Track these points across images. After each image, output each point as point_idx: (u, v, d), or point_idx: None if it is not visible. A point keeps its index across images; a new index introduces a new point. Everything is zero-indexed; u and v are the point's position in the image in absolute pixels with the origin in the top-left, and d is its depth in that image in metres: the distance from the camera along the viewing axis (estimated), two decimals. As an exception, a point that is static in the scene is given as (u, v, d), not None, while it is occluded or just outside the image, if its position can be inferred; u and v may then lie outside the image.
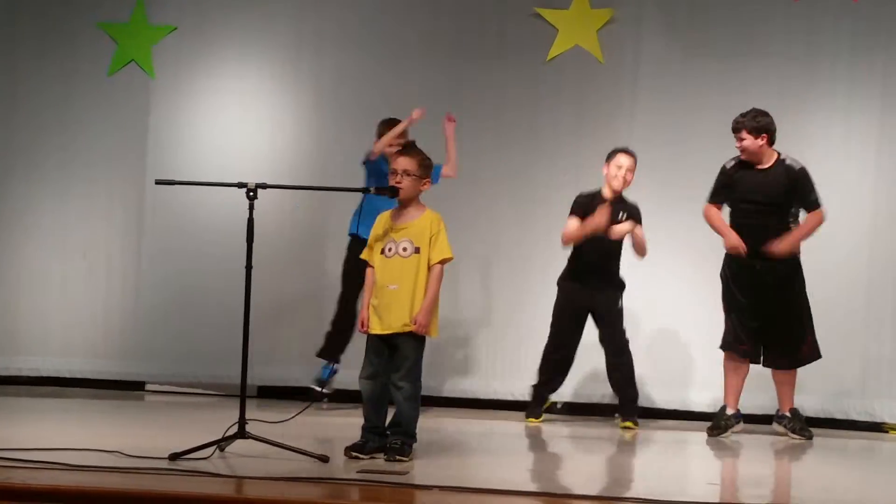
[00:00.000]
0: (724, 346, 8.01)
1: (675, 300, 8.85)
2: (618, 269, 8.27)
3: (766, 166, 7.89)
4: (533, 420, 8.27)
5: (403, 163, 6.08)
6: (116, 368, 9.57)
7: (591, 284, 8.16)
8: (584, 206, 8.15)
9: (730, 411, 7.96)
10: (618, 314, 8.21)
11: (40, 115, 9.74)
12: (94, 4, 9.76)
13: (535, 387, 8.39)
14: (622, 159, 8.17)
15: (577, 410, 8.90)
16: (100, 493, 4.80)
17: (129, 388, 9.52)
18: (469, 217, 8.87)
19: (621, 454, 7.32)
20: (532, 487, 5.63)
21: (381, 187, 6.16)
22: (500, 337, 9.04)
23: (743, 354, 7.93)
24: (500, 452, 7.05)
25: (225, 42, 9.61)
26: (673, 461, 7.05)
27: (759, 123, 7.84)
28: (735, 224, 7.94)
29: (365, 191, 6.12)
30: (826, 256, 8.65)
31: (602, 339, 8.25)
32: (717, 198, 8.04)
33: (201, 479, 5.15)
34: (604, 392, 8.90)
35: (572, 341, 8.26)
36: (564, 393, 8.90)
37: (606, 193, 8.19)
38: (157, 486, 4.90)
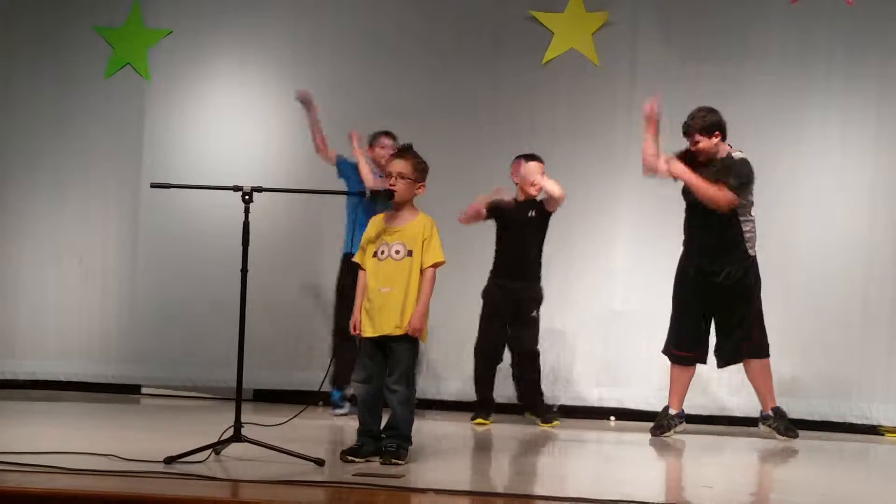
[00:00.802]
0: (664, 351, 8.07)
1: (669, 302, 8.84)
2: (537, 277, 8.35)
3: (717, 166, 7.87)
4: (481, 421, 8.30)
5: (398, 166, 6.07)
6: (112, 372, 9.57)
7: (513, 285, 8.27)
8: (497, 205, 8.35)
9: (672, 411, 7.99)
10: (532, 321, 8.31)
11: (36, 118, 9.75)
12: (89, 8, 9.77)
13: (476, 388, 8.47)
14: (525, 164, 8.33)
15: (573, 413, 8.90)
16: (95, 496, 4.79)
17: (124, 391, 9.53)
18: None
19: (614, 457, 7.32)
20: (527, 490, 5.62)
21: (375, 190, 6.16)
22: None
23: (678, 361, 7.98)
24: (496, 456, 7.05)
25: (220, 46, 9.62)
26: (667, 464, 7.04)
27: (708, 122, 7.82)
28: (688, 228, 7.94)
29: (360, 194, 6.14)
30: (823, 259, 8.68)
31: (509, 347, 8.37)
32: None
33: (197, 482, 5.14)
34: (599, 395, 8.93)
35: (500, 341, 8.37)
36: (560, 397, 8.92)
37: (519, 196, 8.36)
38: (152, 490, 4.89)
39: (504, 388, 8.49)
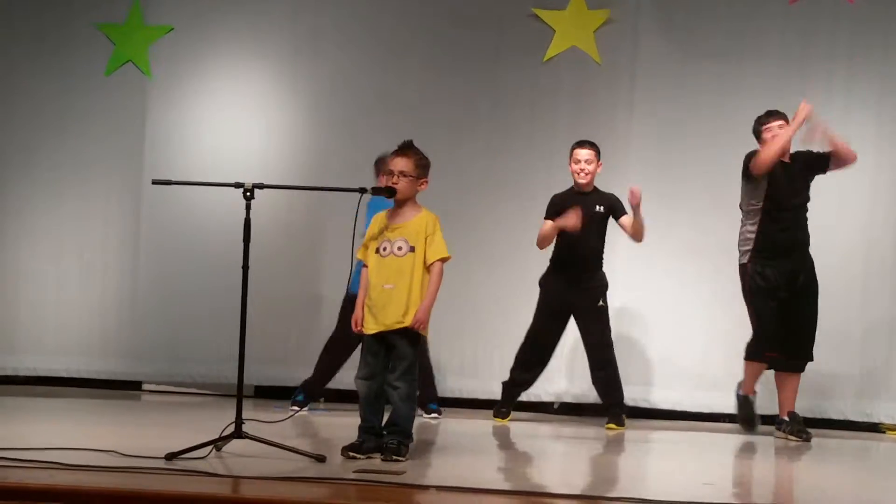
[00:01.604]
0: (749, 356, 7.93)
1: (674, 298, 8.84)
2: (599, 266, 8.23)
3: (788, 160, 7.82)
4: (500, 419, 8.28)
5: (400, 163, 6.07)
6: (113, 368, 9.58)
7: (572, 284, 8.14)
8: (557, 206, 8.13)
9: (752, 397, 8.00)
10: (599, 313, 8.16)
11: (37, 115, 9.75)
12: (90, 5, 9.78)
13: (506, 385, 8.39)
14: (580, 153, 8.15)
15: (573, 411, 8.91)
16: (96, 492, 4.79)
17: (125, 387, 9.54)
18: (468, 217, 8.87)
19: (617, 455, 7.32)
20: (529, 487, 5.63)
21: (377, 188, 6.15)
22: (498, 336, 9.01)
23: (768, 362, 7.92)
24: (497, 452, 7.06)
25: (221, 42, 9.62)
26: (667, 461, 7.05)
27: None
28: (767, 232, 7.78)
29: (361, 191, 6.12)
30: (823, 257, 8.65)
31: (584, 339, 8.24)
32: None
33: (198, 478, 5.14)
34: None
35: (549, 342, 8.25)
36: (562, 394, 8.93)
37: (577, 188, 8.19)
38: (153, 486, 4.89)
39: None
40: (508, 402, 8.36)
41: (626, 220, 8.09)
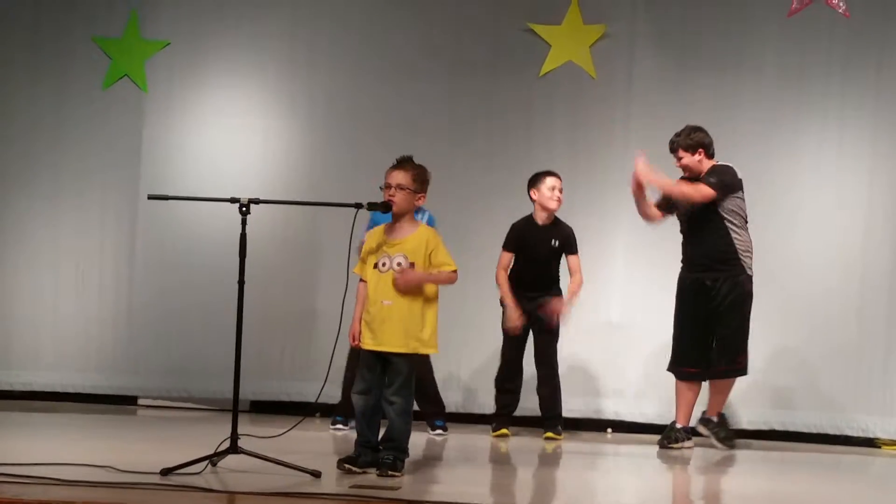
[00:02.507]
0: (669, 369, 8.09)
1: (668, 314, 8.82)
2: (555, 284, 8.31)
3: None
4: (495, 434, 8.27)
5: (397, 177, 6.07)
6: (108, 382, 9.56)
7: (532, 297, 8.21)
8: (517, 239, 8.26)
9: (678, 425, 8.02)
10: (551, 332, 8.26)
11: (33, 129, 9.74)
12: (87, 19, 9.77)
13: (496, 401, 8.42)
14: (552, 181, 8.23)
15: (570, 426, 8.90)
16: (91, 507, 4.80)
17: (121, 402, 9.51)
18: (462, 231, 8.86)
19: (620, 470, 7.32)
20: (525, 502, 5.62)
21: (373, 203, 6.14)
22: (496, 350, 8.99)
23: (686, 377, 7.99)
24: (492, 467, 7.05)
25: (218, 57, 9.62)
26: (666, 477, 7.04)
27: (693, 140, 7.95)
28: (683, 243, 8.05)
29: (357, 206, 6.11)
30: (818, 271, 8.68)
31: (535, 354, 8.31)
32: (661, 205, 8.09)
33: (193, 494, 5.14)
34: (597, 407, 8.92)
35: (517, 355, 8.31)
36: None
37: (540, 219, 8.25)
38: (148, 501, 4.89)
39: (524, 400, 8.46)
40: (503, 422, 8.35)
41: (573, 260, 8.23)
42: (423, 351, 6.06)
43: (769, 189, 8.65)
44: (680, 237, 8.14)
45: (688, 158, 7.95)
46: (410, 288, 5.98)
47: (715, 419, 8.01)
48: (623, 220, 8.94)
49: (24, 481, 5.20)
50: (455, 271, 6.07)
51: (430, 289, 6.05)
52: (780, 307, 8.59)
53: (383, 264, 6.04)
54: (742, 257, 7.88)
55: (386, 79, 9.41)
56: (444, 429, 8.27)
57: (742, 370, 7.96)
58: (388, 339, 5.96)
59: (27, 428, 7.97)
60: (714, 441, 7.96)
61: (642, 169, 7.84)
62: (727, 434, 8.00)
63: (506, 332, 8.22)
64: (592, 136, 9.13)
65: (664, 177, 7.91)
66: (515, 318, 8.12)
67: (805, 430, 8.49)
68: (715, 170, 7.91)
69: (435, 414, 8.31)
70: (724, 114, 8.83)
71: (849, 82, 8.86)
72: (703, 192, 7.81)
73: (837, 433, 8.64)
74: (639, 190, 7.95)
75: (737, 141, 8.64)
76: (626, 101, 9.11)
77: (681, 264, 8.09)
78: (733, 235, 7.87)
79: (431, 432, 8.21)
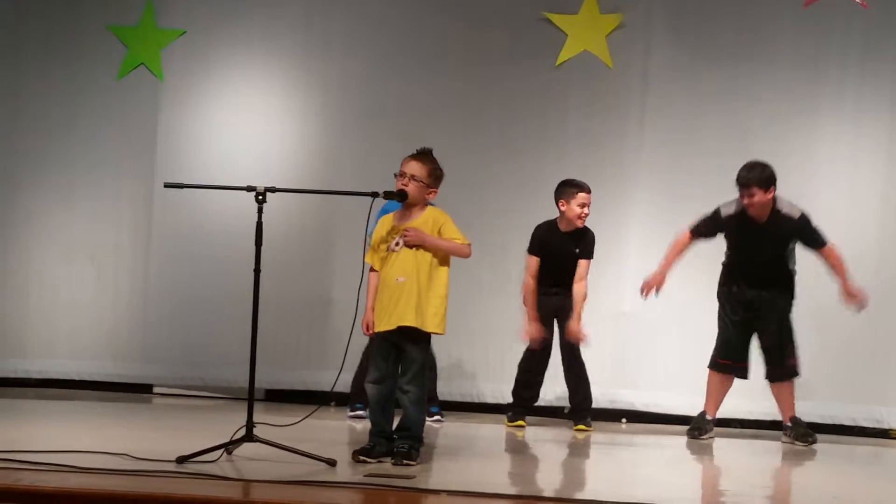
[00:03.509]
0: (710, 365, 8.12)
1: (681, 305, 8.81)
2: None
3: (765, 220, 7.83)
4: (510, 424, 8.27)
5: (413, 167, 6.07)
6: (124, 371, 9.59)
7: (555, 292, 8.21)
8: (542, 244, 8.24)
9: (708, 416, 8.04)
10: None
11: (48, 118, 9.76)
12: (102, 7, 9.78)
13: (514, 391, 8.41)
14: (585, 197, 8.14)
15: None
16: (107, 495, 4.80)
17: (136, 390, 9.54)
18: (477, 222, 8.84)
19: (636, 459, 7.31)
20: (537, 492, 5.62)
21: (389, 192, 6.13)
22: (510, 340, 8.99)
23: (721, 369, 8.05)
24: (508, 457, 7.05)
25: (233, 45, 9.62)
26: (680, 467, 7.03)
27: (767, 174, 7.72)
28: (732, 270, 8.02)
29: (373, 195, 6.11)
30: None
31: (560, 345, 8.30)
32: (698, 233, 8.03)
33: (208, 482, 5.15)
34: (612, 398, 8.90)
35: (543, 354, 8.29)
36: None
37: (563, 226, 8.22)
38: (164, 489, 4.90)
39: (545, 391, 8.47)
40: (520, 413, 8.35)
41: (583, 264, 8.20)
42: (431, 330, 6.03)
43: (784, 181, 8.53)
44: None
45: (760, 196, 7.68)
46: (421, 240, 5.98)
47: (789, 424, 7.97)
48: (635, 212, 8.93)
49: (40, 469, 5.22)
50: (468, 245, 6.06)
51: (441, 273, 6.04)
52: (796, 300, 8.55)
53: (396, 244, 6.04)
54: (794, 279, 8.01)
55: (401, 68, 9.40)
56: (441, 415, 8.28)
57: (793, 372, 7.99)
58: (401, 314, 5.95)
59: (43, 416, 8.00)
60: (795, 443, 7.86)
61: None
62: (801, 432, 7.90)
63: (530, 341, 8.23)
64: (608, 126, 9.11)
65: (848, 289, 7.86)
66: (535, 334, 8.15)
67: (820, 420, 8.47)
68: (810, 227, 7.82)
69: (429, 400, 8.34)
70: (740, 103, 8.81)
71: (866, 74, 8.82)
72: (838, 253, 7.88)
73: (852, 424, 8.64)
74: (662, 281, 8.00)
75: (752, 132, 8.62)
76: (642, 91, 9.09)
77: (726, 275, 8.07)
78: (790, 265, 7.99)
79: (428, 419, 8.23)
